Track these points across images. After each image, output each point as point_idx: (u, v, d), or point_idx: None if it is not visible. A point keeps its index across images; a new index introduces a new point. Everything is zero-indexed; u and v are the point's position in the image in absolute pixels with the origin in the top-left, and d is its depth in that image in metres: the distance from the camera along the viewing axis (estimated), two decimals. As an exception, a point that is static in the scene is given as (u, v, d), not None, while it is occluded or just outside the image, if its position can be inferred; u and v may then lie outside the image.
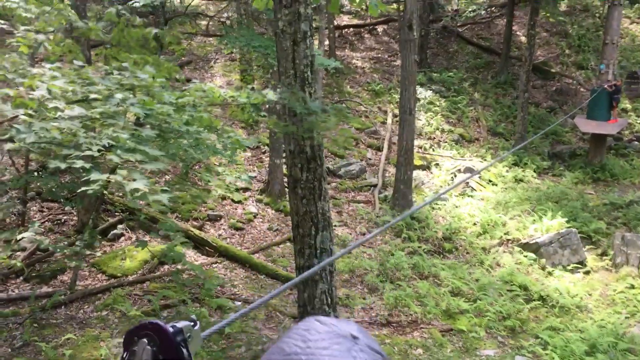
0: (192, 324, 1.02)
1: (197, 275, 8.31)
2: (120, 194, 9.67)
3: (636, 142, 15.74)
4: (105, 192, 7.50)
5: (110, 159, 2.64)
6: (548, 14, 19.47)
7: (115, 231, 9.12)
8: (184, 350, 0.97)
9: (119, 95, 3.06)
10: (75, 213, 9.15)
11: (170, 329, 0.97)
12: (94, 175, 2.48)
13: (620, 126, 14.52)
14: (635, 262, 9.72)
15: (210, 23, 16.71)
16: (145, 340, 0.96)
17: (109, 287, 7.89)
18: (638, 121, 16.69)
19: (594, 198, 12.60)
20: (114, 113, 2.87)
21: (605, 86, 13.92)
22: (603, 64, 14.44)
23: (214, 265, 8.99)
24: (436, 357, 7.37)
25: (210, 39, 16.49)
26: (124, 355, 0.98)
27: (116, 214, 9.51)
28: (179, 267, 8.47)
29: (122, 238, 9.13)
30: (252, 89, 4.45)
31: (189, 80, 10.68)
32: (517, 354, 7.54)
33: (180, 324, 1.00)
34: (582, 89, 17.95)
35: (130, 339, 0.98)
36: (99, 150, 2.72)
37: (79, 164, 2.57)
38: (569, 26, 20.46)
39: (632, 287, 9.17)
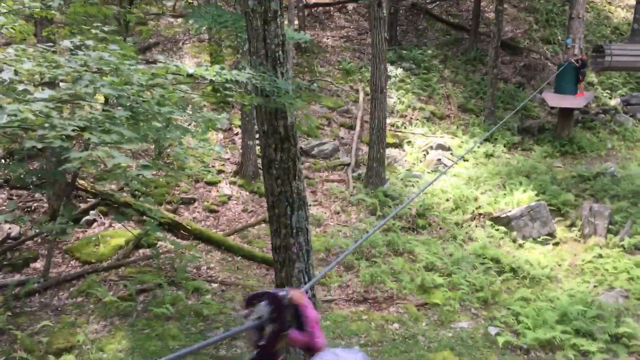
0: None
1: (173, 256, 8.29)
2: (92, 179, 9.54)
3: (602, 115, 16.06)
4: (77, 177, 7.40)
5: (87, 139, 2.61)
6: (515, -10, 19.61)
7: (87, 217, 9.00)
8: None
9: (87, 77, 3.01)
10: (45, 200, 9.00)
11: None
12: (73, 154, 2.45)
13: (586, 100, 14.79)
14: (603, 232, 9.99)
15: (178, 3, 16.39)
16: (264, 302, 1.43)
17: (83, 274, 7.82)
18: (604, 94, 17.02)
19: (563, 171, 12.88)
20: (85, 95, 2.82)
21: (572, 60, 14.14)
22: (570, 39, 14.64)
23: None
24: (412, 331, 7.51)
25: (178, 19, 16.18)
26: (246, 312, 1.44)
27: (88, 200, 9.38)
28: (155, 250, 8.44)
29: (95, 224, 9.02)
30: (222, 68, 4.40)
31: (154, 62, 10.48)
32: (490, 324, 7.73)
33: (283, 292, 1.49)
34: (549, 64, 18.18)
35: (251, 301, 1.46)
36: (73, 131, 2.69)
37: (57, 143, 2.54)
38: (536, 1, 20.64)
39: (600, 256, 9.43)
